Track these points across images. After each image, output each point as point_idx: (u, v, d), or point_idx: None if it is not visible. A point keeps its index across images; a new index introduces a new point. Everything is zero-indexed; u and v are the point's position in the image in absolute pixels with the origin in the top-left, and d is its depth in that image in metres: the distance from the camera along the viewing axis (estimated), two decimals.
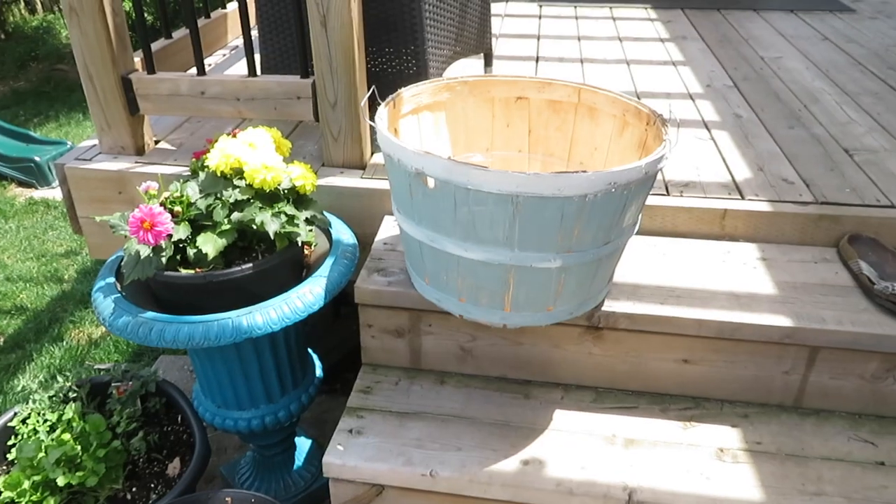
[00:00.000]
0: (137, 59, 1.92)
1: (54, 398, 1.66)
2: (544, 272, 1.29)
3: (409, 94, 1.54)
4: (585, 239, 1.26)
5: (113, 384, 1.72)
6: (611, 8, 3.54)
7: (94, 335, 2.80)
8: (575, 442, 1.44)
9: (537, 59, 2.72)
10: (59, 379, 1.70)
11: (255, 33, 1.98)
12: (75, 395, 1.68)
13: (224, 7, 2.70)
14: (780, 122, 2.15)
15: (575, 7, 3.55)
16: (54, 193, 4.04)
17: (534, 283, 1.31)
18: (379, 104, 1.42)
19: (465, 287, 1.36)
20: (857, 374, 1.47)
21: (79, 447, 1.50)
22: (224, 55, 2.67)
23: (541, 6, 3.57)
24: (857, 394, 1.49)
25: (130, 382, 1.72)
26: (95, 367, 1.92)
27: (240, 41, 2.79)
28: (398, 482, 1.40)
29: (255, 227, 1.39)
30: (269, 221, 1.39)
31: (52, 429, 1.60)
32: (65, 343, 2.73)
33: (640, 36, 3.05)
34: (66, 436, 1.51)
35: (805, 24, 3.26)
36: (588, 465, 1.38)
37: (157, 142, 2.01)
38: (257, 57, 1.89)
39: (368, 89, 1.79)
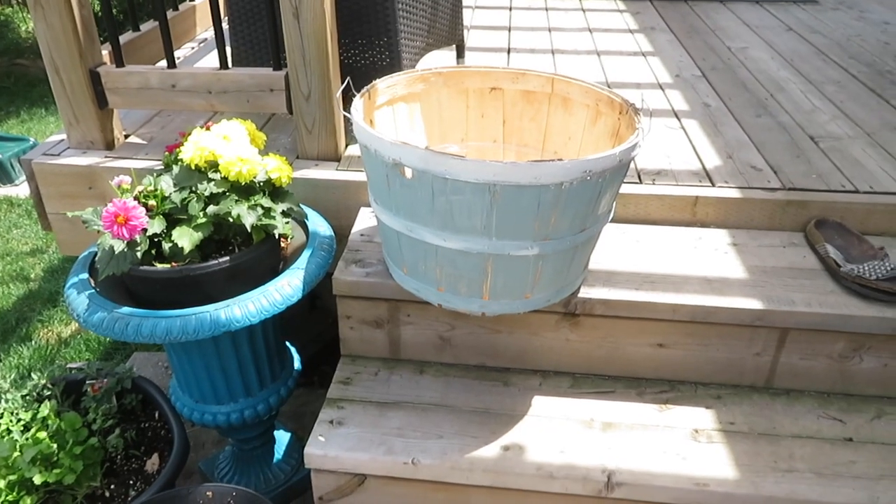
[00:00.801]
0: (105, 53, 1.88)
1: (28, 397, 1.64)
2: (522, 260, 1.31)
3: (384, 86, 1.54)
4: (562, 226, 1.28)
5: (87, 382, 1.70)
6: None
7: (63, 334, 2.75)
8: (554, 427, 1.46)
9: (509, 51, 2.73)
10: (34, 377, 1.67)
11: (225, 25, 1.96)
12: (49, 393, 1.66)
13: None
14: (748, 111, 2.20)
15: None
16: (17, 191, 3.94)
17: (512, 271, 1.33)
18: (353, 96, 1.42)
19: (443, 276, 1.37)
20: (825, 354, 1.51)
21: (55, 445, 1.48)
22: (193, 48, 2.64)
23: None
24: (826, 373, 1.53)
25: (105, 379, 1.70)
26: (68, 365, 1.89)
27: (208, 34, 2.76)
28: (380, 471, 1.40)
29: (231, 220, 1.38)
30: (245, 214, 1.38)
31: (27, 428, 1.57)
32: (34, 343, 2.68)
33: (609, 27, 3.09)
34: (42, 434, 1.49)
35: (770, 14, 3.32)
36: (567, 448, 1.40)
37: (126, 136, 1.98)
38: (228, 50, 1.87)
39: (342, 81, 1.79)
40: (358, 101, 1.41)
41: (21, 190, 3.94)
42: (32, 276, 3.19)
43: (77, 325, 2.79)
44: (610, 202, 1.36)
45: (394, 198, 1.33)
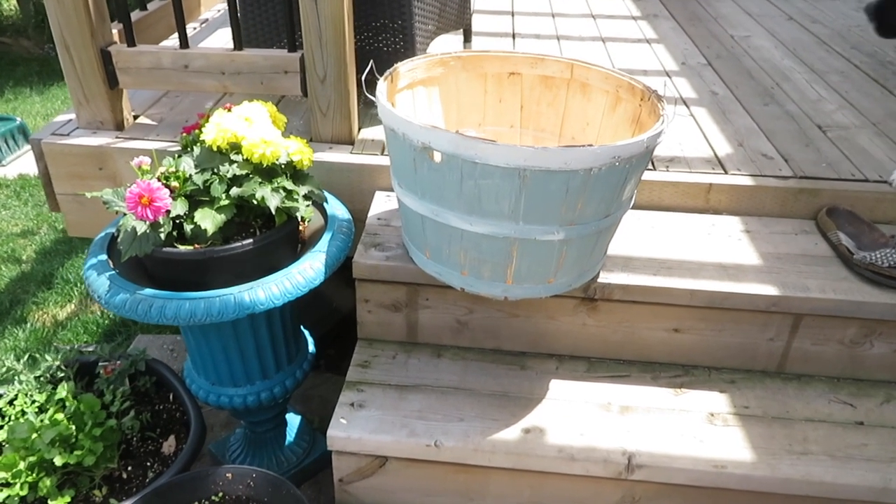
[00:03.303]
0: (115, 32, 1.85)
1: (41, 378, 1.62)
2: (547, 245, 1.32)
3: (405, 69, 1.53)
4: (588, 212, 1.29)
5: (100, 364, 1.69)
6: None
7: (59, 316, 2.72)
8: (572, 410, 1.47)
9: (514, 36, 2.73)
10: (48, 358, 1.66)
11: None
12: (63, 374, 1.64)
13: None
14: (755, 100, 2.22)
15: None
16: (5, 171, 3.87)
17: (537, 255, 1.34)
18: (371, 80, 1.41)
19: (467, 260, 1.38)
20: (836, 340, 1.54)
21: (73, 427, 1.47)
22: (195, 28, 2.60)
23: None
24: (837, 358, 1.56)
25: (119, 361, 1.69)
26: (78, 347, 1.88)
27: (210, 14, 2.72)
28: (402, 453, 1.41)
29: (255, 202, 1.37)
30: (269, 196, 1.37)
31: (41, 410, 1.56)
32: (29, 325, 2.65)
33: (612, 13, 3.09)
34: (60, 416, 1.48)
35: (770, 3, 3.34)
36: (587, 431, 1.42)
37: (136, 117, 1.96)
38: (228, 31, 1.84)
39: (357, 65, 1.78)
40: (382, 85, 1.40)
41: (9, 170, 3.87)
42: (24, 257, 3.14)
43: (73, 306, 2.77)
44: (633, 188, 1.37)
45: (420, 181, 1.33)
